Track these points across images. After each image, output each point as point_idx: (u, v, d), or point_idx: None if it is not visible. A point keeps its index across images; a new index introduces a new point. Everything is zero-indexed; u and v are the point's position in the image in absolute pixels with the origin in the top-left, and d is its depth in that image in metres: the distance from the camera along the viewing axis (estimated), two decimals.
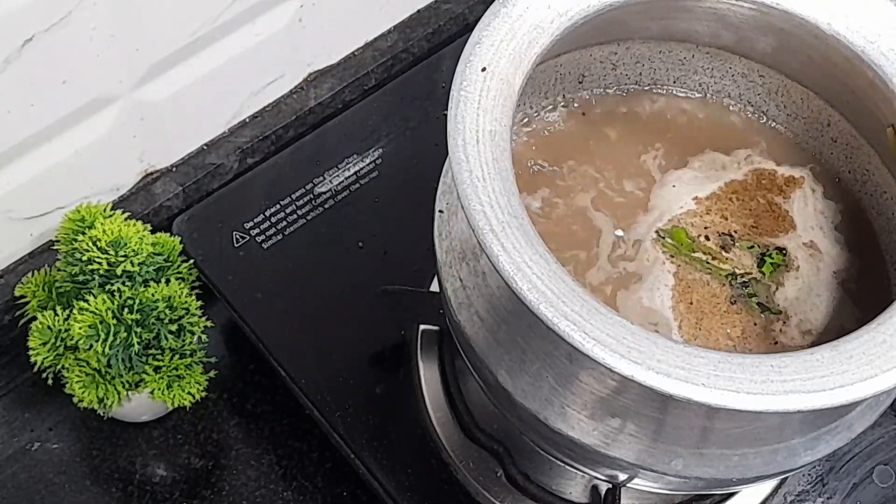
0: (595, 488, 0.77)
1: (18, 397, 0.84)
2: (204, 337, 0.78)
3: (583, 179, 0.69)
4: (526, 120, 0.71)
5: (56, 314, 0.76)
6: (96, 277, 0.75)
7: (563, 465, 0.71)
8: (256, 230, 0.87)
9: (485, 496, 0.78)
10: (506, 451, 0.77)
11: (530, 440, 0.68)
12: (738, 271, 0.66)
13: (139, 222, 0.78)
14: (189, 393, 0.77)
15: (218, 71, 0.85)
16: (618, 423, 0.60)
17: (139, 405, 0.79)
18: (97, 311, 0.73)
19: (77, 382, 0.76)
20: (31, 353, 0.76)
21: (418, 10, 0.98)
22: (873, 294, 0.67)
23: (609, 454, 0.61)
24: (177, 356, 0.77)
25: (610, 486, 0.72)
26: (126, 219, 0.79)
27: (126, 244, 0.75)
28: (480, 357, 0.63)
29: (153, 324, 0.74)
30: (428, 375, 0.81)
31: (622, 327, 0.53)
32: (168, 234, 0.81)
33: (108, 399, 0.76)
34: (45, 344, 0.76)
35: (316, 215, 0.88)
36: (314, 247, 0.87)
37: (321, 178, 0.89)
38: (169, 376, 0.76)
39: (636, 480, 0.66)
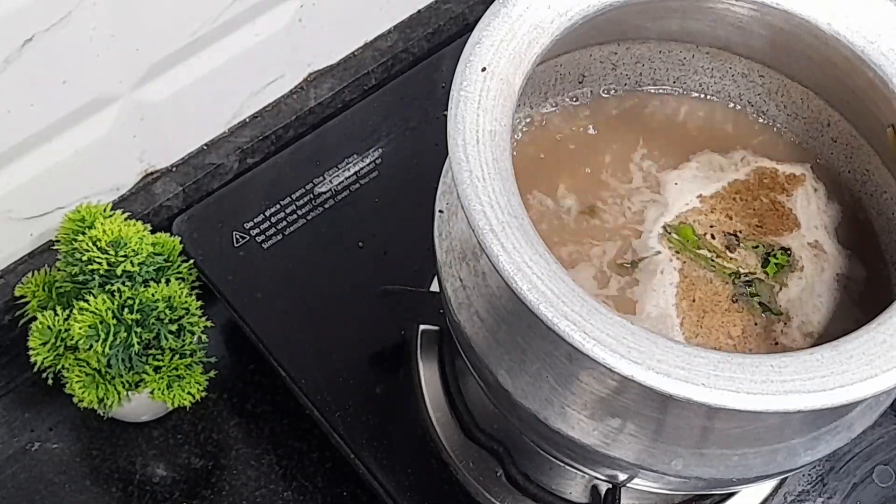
0: (595, 488, 0.77)
1: (18, 397, 0.84)
2: (204, 337, 0.78)
3: (585, 178, 0.69)
4: (529, 119, 0.71)
5: (56, 314, 0.76)
6: (96, 277, 0.75)
7: (563, 465, 0.71)
8: (256, 230, 0.87)
9: (485, 496, 0.78)
10: (506, 451, 0.77)
11: (530, 440, 0.68)
12: (741, 270, 0.66)
13: (139, 222, 0.78)
14: (189, 393, 0.77)
15: (218, 71, 0.85)
16: (618, 423, 0.60)
17: (139, 405, 0.79)
18: (97, 311, 0.73)
19: (77, 382, 0.76)
20: (31, 353, 0.76)
21: (418, 10, 0.98)
22: (873, 294, 0.67)
23: (609, 454, 0.61)
24: (177, 356, 0.77)
25: (610, 486, 0.72)
26: (126, 219, 0.79)
27: (126, 244, 0.75)
28: (480, 357, 0.63)
29: (153, 324, 0.75)
30: (428, 375, 0.81)
31: (622, 327, 0.53)
32: (168, 234, 0.81)
33: (108, 399, 0.76)
34: (45, 344, 0.76)
35: (316, 215, 0.88)
36: (314, 247, 0.87)
37: (321, 178, 0.89)
38: (169, 376, 0.76)
39: (636, 480, 0.66)
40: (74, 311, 0.74)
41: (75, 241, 0.77)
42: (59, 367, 0.77)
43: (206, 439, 0.83)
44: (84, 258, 0.75)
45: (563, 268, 0.55)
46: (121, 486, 0.81)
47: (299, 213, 0.88)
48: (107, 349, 0.73)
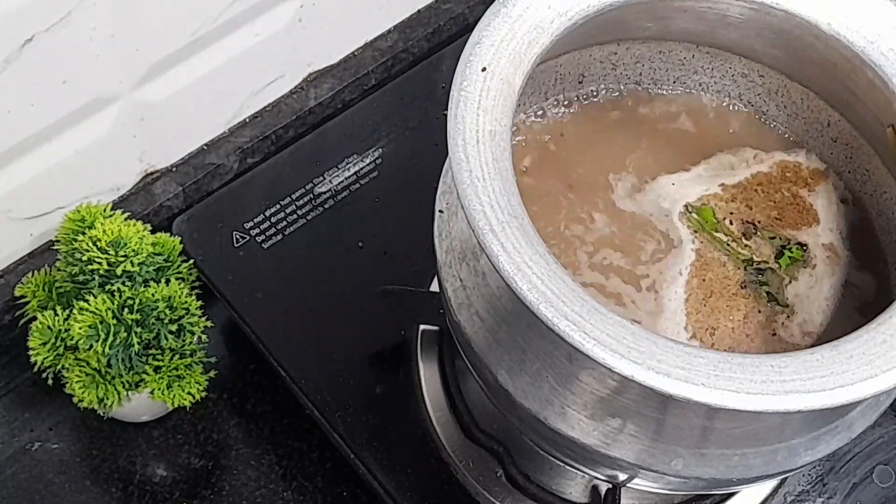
0: (595, 488, 0.77)
1: (18, 397, 0.84)
2: (204, 337, 0.78)
3: (591, 178, 0.70)
4: (541, 113, 0.71)
5: (56, 314, 0.76)
6: (96, 277, 0.75)
7: (563, 465, 0.71)
8: (256, 230, 0.87)
9: (485, 496, 0.78)
10: (506, 451, 0.77)
11: (530, 440, 0.68)
12: (755, 258, 0.67)
13: (139, 222, 0.78)
14: (189, 393, 0.77)
15: (218, 71, 0.85)
16: (618, 423, 0.60)
17: (139, 405, 0.79)
18: (97, 311, 0.73)
19: (77, 382, 0.76)
20: (31, 353, 0.76)
21: (418, 10, 0.98)
22: (873, 294, 0.67)
23: (609, 454, 0.61)
24: (177, 356, 0.77)
25: (610, 486, 0.72)
26: (126, 219, 0.79)
27: (126, 244, 0.75)
28: (480, 357, 0.63)
29: (153, 324, 0.75)
30: (428, 375, 0.81)
31: (622, 327, 0.53)
32: (168, 234, 0.81)
33: (108, 399, 0.76)
34: (45, 344, 0.76)
35: (316, 215, 0.88)
36: (314, 247, 0.87)
37: (321, 178, 0.89)
38: (169, 376, 0.76)
39: (636, 480, 0.66)
40: (74, 311, 0.74)
41: (75, 241, 0.77)
42: (59, 367, 0.77)
43: (206, 439, 0.83)
44: (84, 258, 0.75)
45: (563, 268, 0.55)
46: (121, 486, 0.81)
47: (299, 213, 0.88)
48: (107, 349, 0.73)
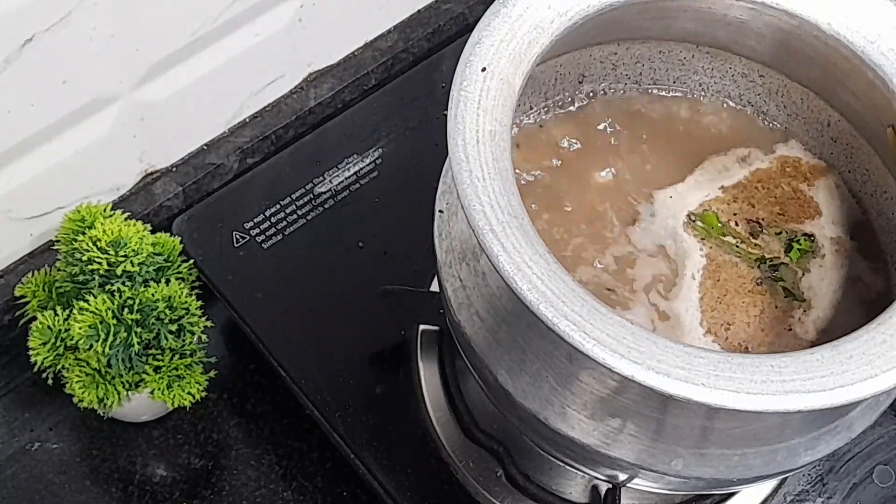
0: (595, 488, 0.77)
1: (18, 397, 0.84)
2: (204, 337, 0.78)
3: (596, 180, 0.70)
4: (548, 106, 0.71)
5: (56, 314, 0.76)
6: (96, 277, 0.75)
7: (563, 465, 0.71)
8: (256, 230, 0.87)
9: (485, 496, 0.78)
10: (506, 451, 0.77)
11: (530, 440, 0.68)
12: (767, 256, 0.67)
13: (139, 222, 0.78)
14: (189, 393, 0.77)
15: (218, 71, 0.85)
16: (618, 423, 0.60)
17: (139, 405, 0.79)
18: (97, 311, 0.73)
19: (77, 382, 0.76)
20: (31, 353, 0.76)
21: (418, 10, 0.98)
22: (873, 294, 0.67)
23: (609, 454, 0.61)
24: (177, 356, 0.77)
25: (610, 486, 0.72)
26: (126, 219, 0.79)
27: (126, 244, 0.75)
28: (480, 357, 0.63)
29: (153, 324, 0.75)
30: (428, 375, 0.81)
31: (622, 327, 0.53)
32: (168, 234, 0.81)
33: (108, 399, 0.76)
34: (45, 344, 0.76)
35: (316, 215, 0.88)
36: (314, 247, 0.87)
37: (321, 178, 0.89)
38: (169, 376, 0.76)
39: (636, 480, 0.66)
40: (74, 311, 0.74)
41: (75, 241, 0.77)
42: (59, 367, 0.77)
43: (206, 439, 0.83)
44: (84, 258, 0.75)
45: (563, 268, 0.55)
46: (121, 486, 0.81)
47: (299, 213, 0.88)
48: (107, 349, 0.73)
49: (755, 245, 0.67)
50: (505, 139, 0.58)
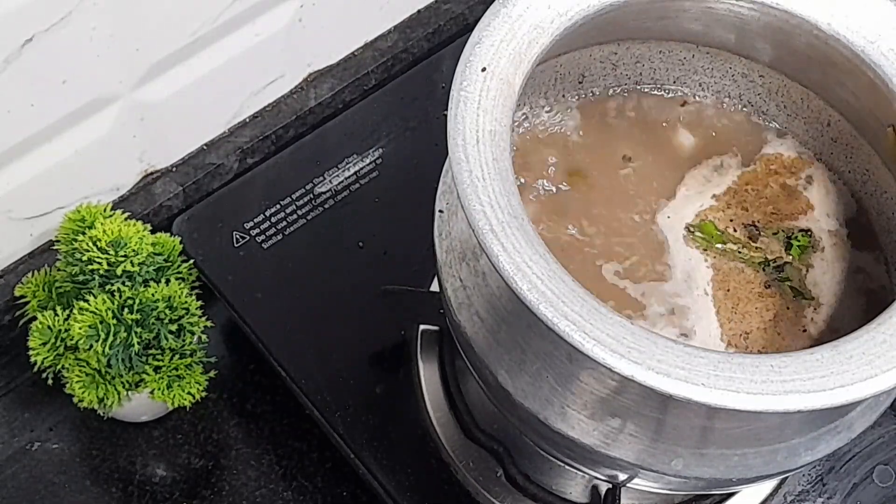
0: (595, 488, 0.77)
1: (18, 397, 0.84)
2: (204, 337, 0.78)
3: (594, 183, 0.70)
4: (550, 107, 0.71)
5: (56, 314, 0.76)
6: (96, 277, 0.75)
7: (563, 465, 0.71)
8: (256, 230, 0.87)
9: (485, 496, 0.78)
10: (506, 451, 0.77)
11: (530, 440, 0.68)
12: (769, 257, 0.67)
13: (139, 222, 0.78)
14: (189, 393, 0.77)
15: (218, 71, 0.85)
16: (618, 423, 0.60)
17: (139, 405, 0.79)
18: (97, 311, 0.73)
19: (77, 382, 0.76)
20: (31, 353, 0.76)
21: (418, 10, 0.98)
22: (873, 294, 0.67)
23: (609, 454, 0.61)
24: (177, 356, 0.77)
25: (610, 486, 0.72)
26: (126, 219, 0.79)
27: (126, 244, 0.75)
28: (480, 357, 0.63)
29: (153, 324, 0.75)
30: (428, 375, 0.81)
31: (622, 327, 0.53)
32: (168, 234, 0.81)
33: (108, 399, 0.76)
34: (45, 344, 0.76)
35: (316, 215, 0.88)
36: (314, 247, 0.87)
37: (321, 178, 0.89)
38: (169, 376, 0.76)
39: (636, 480, 0.66)
40: (74, 311, 0.74)
41: (75, 241, 0.77)
42: (59, 367, 0.77)
43: (206, 439, 0.83)
44: (84, 258, 0.75)
45: (563, 268, 0.55)
46: (121, 486, 0.81)
47: (299, 213, 0.88)
48: (107, 349, 0.73)
49: (756, 248, 0.67)
50: (505, 139, 0.58)
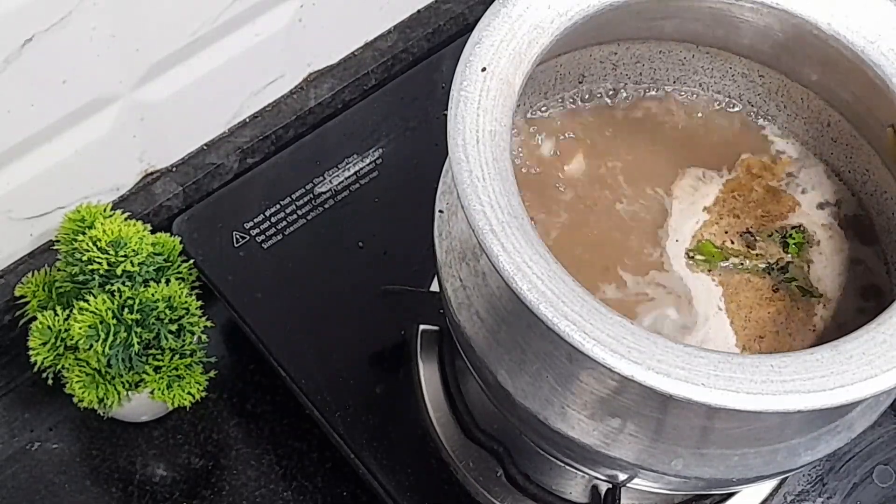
0: (595, 488, 0.77)
1: (18, 397, 0.84)
2: (204, 337, 0.78)
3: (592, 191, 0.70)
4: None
5: (56, 314, 0.76)
6: (96, 277, 0.75)
7: (563, 465, 0.71)
8: (256, 230, 0.87)
9: (485, 496, 0.78)
10: (506, 451, 0.77)
11: (530, 440, 0.68)
12: (771, 261, 0.67)
13: (139, 222, 0.78)
14: (189, 393, 0.77)
15: (218, 71, 0.85)
16: (618, 423, 0.60)
17: (139, 405, 0.79)
18: (97, 311, 0.73)
19: (77, 382, 0.76)
20: (31, 353, 0.76)
21: (418, 10, 0.98)
22: (873, 294, 0.67)
23: (609, 454, 0.61)
24: (177, 356, 0.77)
25: (610, 486, 0.72)
26: (126, 219, 0.79)
27: (126, 244, 0.75)
28: (480, 357, 0.63)
29: (153, 324, 0.75)
30: (428, 375, 0.81)
31: (622, 327, 0.53)
32: (168, 234, 0.81)
33: (108, 399, 0.76)
34: (45, 344, 0.76)
35: (316, 215, 0.88)
36: (314, 247, 0.87)
37: (321, 178, 0.89)
38: (169, 376, 0.76)
39: (636, 480, 0.66)
40: (74, 311, 0.74)
41: (75, 241, 0.77)
42: (59, 367, 0.77)
43: (206, 439, 0.83)
44: (84, 258, 0.75)
45: (563, 268, 0.55)
46: (121, 486, 0.81)
47: (299, 213, 0.88)
48: (107, 349, 0.73)
49: (756, 255, 0.67)
50: (505, 139, 0.58)
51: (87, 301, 0.74)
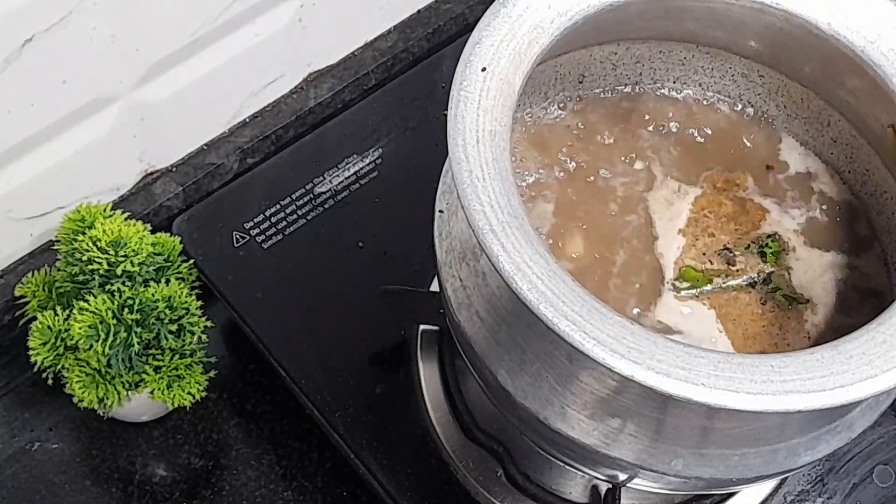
0: (595, 488, 0.77)
1: (18, 397, 0.84)
2: (204, 337, 0.78)
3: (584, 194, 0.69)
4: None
5: (56, 314, 0.76)
6: (96, 277, 0.75)
7: (563, 465, 0.71)
8: (256, 230, 0.87)
9: (485, 496, 0.78)
10: (506, 451, 0.77)
11: (530, 440, 0.68)
12: (752, 275, 0.67)
13: (139, 222, 0.78)
14: (189, 393, 0.77)
15: (218, 71, 0.85)
16: (618, 423, 0.60)
17: (139, 405, 0.79)
18: (97, 311, 0.73)
19: (77, 382, 0.76)
20: (31, 353, 0.76)
21: (418, 10, 0.98)
22: (873, 294, 0.67)
23: (609, 454, 0.61)
24: (177, 356, 0.77)
25: (610, 486, 0.72)
26: (126, 219, 0.79)
27: (126, 244, 0.75)
28: (480, 357, 0.63)
29: (153, 324, 0.75)
30: (428, 375, 0.81)
31: (622, 327, 0.53)
32: (168, 234, 0.81)
33: (108, 399, 0.76)
34: (45, 344, 0.76)
35: (316, 215, 0.88)
36: (314, 247, 0.87)
37: (321, 178, 0.89)
38: (169, 376, 0.76)
39: (636, 480, 0.66)
40: (74, 311, 0.74)
41: (75, 241, 0.77)
42: (59, 367, 0.77)
43: (206, 439, 0.83)
44: (84, 258, 0.75)
45: (563, 268, 0.55)
46: (121, 486, 0.81)
47: (299, 213, 0.88)
48: (107, 349, 0.73)
49: (737, 271, 0.67)
50: (505, 139, 0.58)
51: (87, 301, 0.74)
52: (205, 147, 0.90)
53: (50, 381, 0.78)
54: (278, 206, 0.88)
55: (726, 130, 0.73)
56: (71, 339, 0.75)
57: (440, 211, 0.66)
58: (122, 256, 0.75)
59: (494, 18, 0.61)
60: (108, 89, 0.79)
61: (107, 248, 0.75)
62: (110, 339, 0.73)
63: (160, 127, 0.85)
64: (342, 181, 0.89)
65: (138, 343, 0.74)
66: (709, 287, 0.66)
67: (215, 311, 0.83)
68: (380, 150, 0.91)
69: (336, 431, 0.79)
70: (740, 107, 0.73)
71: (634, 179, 0.70)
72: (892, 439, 0.82)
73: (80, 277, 0.76)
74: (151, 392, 0.76)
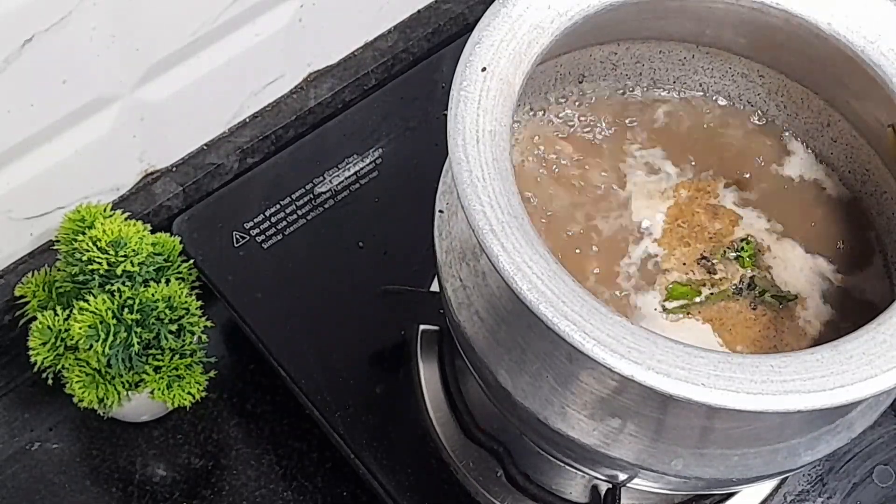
0: (595, 488, 0.77)
1: (18, 397, 0.84)
2: (204, 337, 0.78)
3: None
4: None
5: (56, 314, 0.76)
6: (96, 277, 0.75)
7: (563, 465, 0.71)
8: (256, 230, 0.87)
9: (485, 496, 0.78)
10: (506, 451, 0.77)
11: (530, 440, 0.68)
12: (735, 281, 0.67)
13: (139, 222, 0.78)
14: (189, 393, 0.77)
15: (218, 71, 0.85)
16: (618, 423, 0.60)
17: (139, 405, 0.79)
18: (97, 311, 0.73)
19: (77, 382, 0.76)
20: (31, 353, 0.76)
21: (418, 10, 0.98)
22: (873, 294, 0.67)
23: (609, 454, 0.61)
24: (177, 356, 0.77)
25: (610, 486, 0.72)
26: (126, 219, 0.79)
27: (126, 244, 0.75)
28: (480, 357, 0.63)
29: (153, 324, 0.75)
30: (428, 375, 0.81)
31: (622, 327, 0.53)
32: (168, 234, 0.81)
33: (108, 399, 0.76)
34: (45, 344, 0.76)
35: (316, 215, 0.88)
36: (314, 247, 0.87)
37: (321, 178, 0.89)
38: (169, 376, 0.76)
39: (636, 480, 0.66)
40: (74, 311, 0.74)
41: (75, 241, 0.77)
42: (59, 367, 0.77)
43: (206, 439, 0.83)
44: (84, 258, 0.75)
45: (563, 268, 0.55)
46: (121, 486, 0.81)
47: (299, 213, 0.88)
48: (107, 349, 0.73)
49: (720, 279, 0.67)
50: (505, 139, 0.58)
51: (87, 301, 0.74)
52: (205, 147, 0.90)
53: (50, 381, 0.78)
54: (278, 206, 0.88)
55: (726, 130, 0.73)
56: (71, 339, 0.75)
57: (440, 211, 0.66)
58: (122, 256, 0.75)
59: (494, 18, 0.61)
60: (108, 89, 0.79)
61: (107, 248, 0.75)
62: (110, 339, 0.73)
63: (160, 127, 0.85)
64: (342, 181, 0.89)
65: (138, 343, 0.74)
66: (699, 299, 0.66)
67: (215, 311, 0.83)
68: (380, 150, 0.91)
69: (336, 431, 0.79)
70: (741, 107, 0.73)
71: (620, 184, 0.70)
72: (892, 439, 0.82)
73: (80, 277, 0.76)
74: (151, 392, 0.76)
